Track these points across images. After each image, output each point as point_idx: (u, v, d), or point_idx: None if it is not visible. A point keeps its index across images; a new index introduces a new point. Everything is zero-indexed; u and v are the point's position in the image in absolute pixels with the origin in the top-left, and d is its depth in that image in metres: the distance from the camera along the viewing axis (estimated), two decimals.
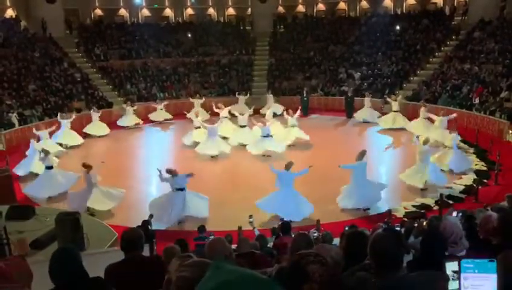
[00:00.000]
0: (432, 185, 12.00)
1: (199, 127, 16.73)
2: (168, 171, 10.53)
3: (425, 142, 12.28)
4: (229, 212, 10.73)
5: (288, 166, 10.56)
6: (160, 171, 10.52)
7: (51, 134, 16.24)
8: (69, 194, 11.49)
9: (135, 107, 21.54)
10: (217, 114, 18.32)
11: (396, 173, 12.90)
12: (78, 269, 2.66)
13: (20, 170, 13.50)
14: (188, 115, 18.91)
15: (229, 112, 19.22)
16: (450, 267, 2.21)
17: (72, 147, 17.18)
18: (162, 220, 10.11)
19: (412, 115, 19.00)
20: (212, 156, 15.42)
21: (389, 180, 12.75)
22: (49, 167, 12.35)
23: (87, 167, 10.97)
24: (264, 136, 15.62)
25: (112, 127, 20.36)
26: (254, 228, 8.85)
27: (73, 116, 18.28)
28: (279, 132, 17.02)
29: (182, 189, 10.38)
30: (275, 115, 19.08)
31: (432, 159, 12.56)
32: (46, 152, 12.50)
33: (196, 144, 16.12)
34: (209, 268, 1.51)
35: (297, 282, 1.89)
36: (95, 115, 19.45)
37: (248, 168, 15.04)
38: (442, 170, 12.73)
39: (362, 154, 10.97)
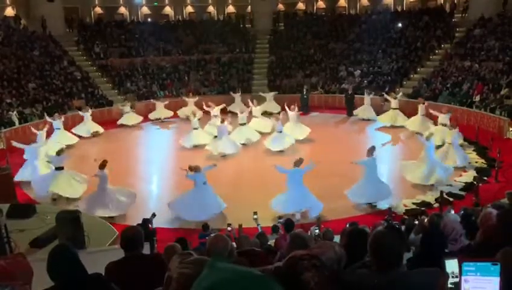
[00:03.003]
0: (438, 181, 12.01)
1: (197, 128, 16.73)
2: (192, 168, 10.62)
3: (428, 138, 12.35)
4: (232, 210, 10.74)
5: (298, 163, 10.53)
6: (186, 170, 10.65)
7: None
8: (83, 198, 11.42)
9: (129, 104, 21.44)
10: (208, 113, 18.40)
11: (396, 170, 12.89)
12: (76, 266, 2.66)
13: (25, 176, 12.88)
14: (182, 115, 18.84)
15: (230, 111, 19.27)
16: (451, 264, 2.20)
17: (67, 147, 16.65)
18: (191, 216, 10.25)
19: (412, 113, 18.98)
20: (223, 155, 15.30)
21: (389, 178, 12.77)
22: (60, 168, 12.03)
23: (102, 164, 10.80)
24: (279, 132, 15.85)
25: (112, 126, 20.35)
26: (258, 225, 8.89)
27: (62, 118, 17.72)
28: (258, 125, 17.70)
29: (204, 182, 10.55)
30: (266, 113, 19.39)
31: (435, 155, 12.60)
32: (58, 152, 12.22)
33: (195, 146, 16.20)
34: (205, 267, 1.51)
35: (293, 287, 1.87)
36: (86, 114, 19.09)
37: (251, 166, 15.06)
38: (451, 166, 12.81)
39: (371, 150, 10.97)
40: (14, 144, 13.69)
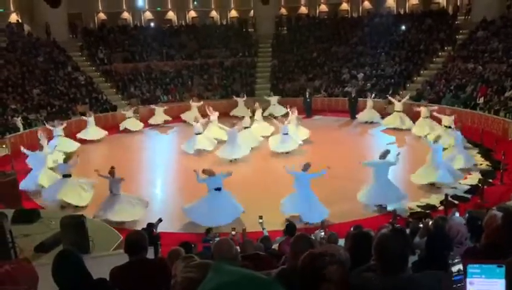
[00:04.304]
0: (443, 184, 11.95)
1: (200, 133, 16.58)
2: (205, 171, 10.55)
3: (436, 140, 12.30)
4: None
5: (305, 167, 10.50)
6: (196, 172, 10.52)
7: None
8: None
9: (133, 108, 21.46)
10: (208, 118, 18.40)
11: (401, 172, 12.85)
12: (80, 271, 2.67)
13: (29, 185, 12.68)
14: (185, 118, 18.91)
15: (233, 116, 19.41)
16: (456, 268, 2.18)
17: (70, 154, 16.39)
18: (204, 222, 10.15)
19: (415, 116, 18.91)
20: (231, 160, 15.14)
21: (394, 181, 12.72)
22: (67, 176, 11.87)
23: (111, 171, 10.62)
24: (284, 134, 15.96)
25: (115, 131, 20.42)
26: (264, 229, 8.87)
27: (64, 124, 17.66)
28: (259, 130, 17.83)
29: (219, 189, 10.44)
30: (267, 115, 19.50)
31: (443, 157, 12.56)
32: (65, 159, 12.08)
33: (198, 151, 16.12)
34: (209, 270, 1.51)
35: (312, 282, 1.87)
36: (90, 119, 19.03)
37: (256, 169, 15.04)
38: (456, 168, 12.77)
39: (385, 154, 10.94)
40: (23, 150, 13.57)
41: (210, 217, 10.12)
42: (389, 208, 10.78)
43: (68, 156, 12.40)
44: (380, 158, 10.92)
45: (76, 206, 11.57)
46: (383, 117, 20.13)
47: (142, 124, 21.13)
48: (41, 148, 14.25)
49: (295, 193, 10.53)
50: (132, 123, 20.83)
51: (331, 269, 1.85)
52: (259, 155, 16.05)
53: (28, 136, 18.17)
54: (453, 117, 15.66)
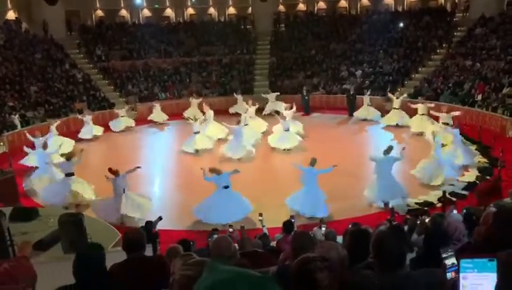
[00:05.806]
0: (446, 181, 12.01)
1: (198, 132, 16.44)
2: (212, 170, 10.45)
3: (435, 136, 12.34)
4: None
5: (312, 162, 10.49)
6: (203, 171, 10.44)
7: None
8: (94, 203, 11.04)
9: (127, 107, 21.44)
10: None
11: (399, 169, 12.84)
12: (102, 269, 2.89)
13: (31, 184, 12.59)
14: (186, 116, 19.00)
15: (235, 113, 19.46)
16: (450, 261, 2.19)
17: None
18: (212, 219, 10.10)
19: (413, 113, 18.92)
20: (239, 159, 14.95)
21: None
22: (70, 174, 11.70)
23: (113, 172, 10.39)
24: (285, 130, 16.04)
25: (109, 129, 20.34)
26: (264, 226, 8.89)
27: (58, 121, 17.62)
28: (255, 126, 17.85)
29: (227, 187, 10.36)
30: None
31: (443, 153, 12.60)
32: (68, 157, 11.87)
33: (197, 151, 16.04)
34: (205, 268, 1.52)
35: (304, 288, 1.88)
36: (87, 118, 18.88)
37: (255, 167, 15.00)
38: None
39: (389, 149, 10.94)
40: (26, 149, 13.80)
41: (217, 215, 10.10)
42: (392, 204, 10.78)
43: (69, 155, 12.21)
44: (384, 154, 10.92)
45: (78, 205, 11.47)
46: (382, 115, 20.11)
47: (132, 122, 20.92)
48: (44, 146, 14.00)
49: (301, 191, 10.51)
50: (124, 122, 20.60)
51: (321, 276, 1.88)
52: (259, 153, 16.01)
53: (25, 134, 18.05)
54: (451, 114, 15.69)
